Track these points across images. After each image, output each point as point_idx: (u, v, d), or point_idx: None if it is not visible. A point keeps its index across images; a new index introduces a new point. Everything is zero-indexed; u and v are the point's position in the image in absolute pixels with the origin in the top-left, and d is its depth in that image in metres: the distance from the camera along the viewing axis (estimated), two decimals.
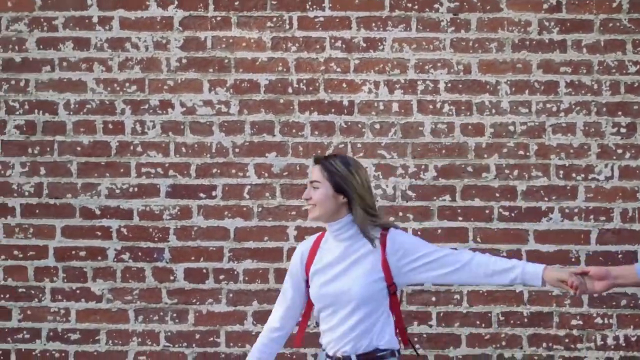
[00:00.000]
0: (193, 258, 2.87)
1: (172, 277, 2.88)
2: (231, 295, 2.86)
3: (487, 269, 1.78)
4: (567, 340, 2.83)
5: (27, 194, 2.88)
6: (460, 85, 2.86)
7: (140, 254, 2.88)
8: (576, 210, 2.84)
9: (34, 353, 2.89)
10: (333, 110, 2.87)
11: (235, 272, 2.87)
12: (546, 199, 2.84)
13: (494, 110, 2.86)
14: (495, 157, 2.86)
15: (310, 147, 2.85)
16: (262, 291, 2.86)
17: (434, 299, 2.84)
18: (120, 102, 2.87)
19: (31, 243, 2.89)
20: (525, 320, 2.83)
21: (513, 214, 2.85)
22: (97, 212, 2.87)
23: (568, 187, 2.85)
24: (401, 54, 2.87)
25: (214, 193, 2.87)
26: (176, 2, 2.88)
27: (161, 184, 2.87)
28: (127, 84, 2.87)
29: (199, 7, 2.87)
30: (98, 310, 2.89)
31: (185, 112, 2.86)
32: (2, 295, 2.88)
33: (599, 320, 2.83)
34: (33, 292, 2.90)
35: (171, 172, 2.87)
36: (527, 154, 2.85)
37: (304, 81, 2.86)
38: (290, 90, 2.86)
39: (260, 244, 2.88)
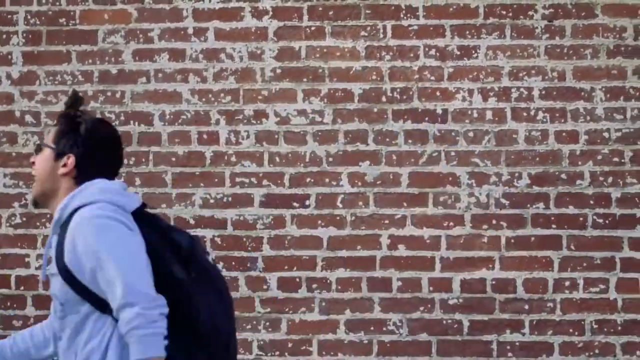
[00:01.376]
0: (286, 267, 3.32)
1: (265, 286, 3.33)
2: (324, 304, 3.32)
3: None
4: None
5: None
6: (555, 92, 3.28)
7: (233, 263, 3.34)
8: None
9: None
10: (427, 118, 3.29)
11: (328, 281, 3.32)
12: None
13: (588, 117, 3.27)
14: (589, 164, 3.28)
15: (403, 156, 3.29)
16: (355, 300, 3.31)
17: (526, 306, 3.27)
18: (215, 113, 3.32)
19: None
20: (619, 328, 3.27)
21: (607, 222, 3.27)
22: (192, 221, 3.33)
23: None
24: (495, 61, 3.29)
25: (307, 202, 3.30)
26: (271, 13, 3.32)
27: (255, 193, 3.32)
28: (222, 95, 3.31)
29: (294, 17, 3.31)
30: None
31: (279, 122, 3.30)
32: None
33: None
34: None
35: (265, 182, 3.32)
36: (622, 160, 3.27)
37: (398, 90, 3.29)
38: (384, 99, 3.29)
39: (353, 253, 3.33)
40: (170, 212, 3.44)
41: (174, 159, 3.45)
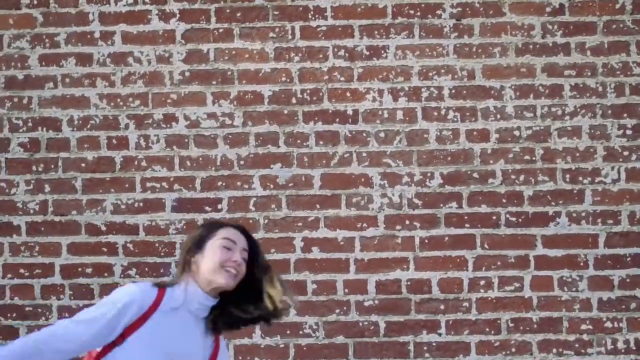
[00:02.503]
0: None
1: None
2: None
3: None
4: (577, 345, 3.32)
5: (32, 211, 3.36)
6: (465, 91, 3.34)
7: (146, 269, 3.37)
8: (583, 214, 3.32)
9: None
10: (337, 119, 3.34)
11: None
12: (553, 203, 3.33)
13: (498, 116, 3.34)
14: (501, 163, 3.34)
15: (315, 158, 3.33)
16: None
17: (442, 307, 3.31)
18: (124, 117, 3.35)
19: (37, 261, 3.38)
20: (535, 326, 3.32)
21: (520, 220, 3.32)
22: (103, 228, 3.35)
23: (575, 191, 3.33)
24: (404, 61, 3.35)
25: (219, 206, 3.34)
26: (178, 15, 3.37)
27: (166, 198, 3.35)
28: (131, 99, 3.35)
29: (201, 20, 3.35)
30: None
31: (189, 126, 3.34)
32: (9, 314, 3.37)
33: (608, 324, 3.31)
34: (40, 310, 3.39)
35: (176, 186, 3.35)
36: (533, 158, 3.33)
37: (308, 91, 3.34)
38: (294, 100, 3.34)
39: (267, 256, 3.32)
40: (81, 219, 3.44)
41: (83, 165, 3.46)
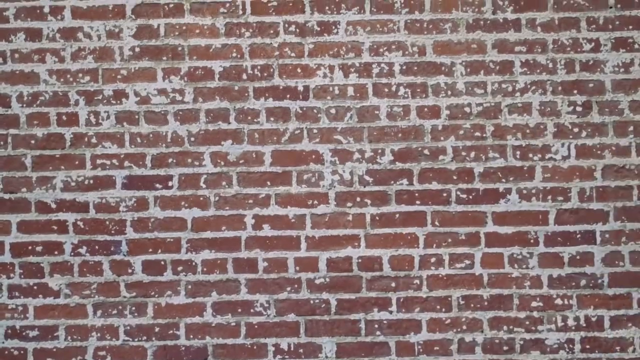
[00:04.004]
0: (151, 250, 3.39)
1: (130, 270, 3.39)
2: (190, 286, 3.38)
3: None
4: (527, 323, 3.37)
5: None
6: (415, 68, 3.40)
7: (97, 247, 3.39)
8: (534, 190, 3.38)
9: None
10: (288, 95, 3.39)
11: (194, 263, 3.38)
12: (503, 180, 3.38)
13: (449, 92, 3.40)
14: (451, 140, 3.39)
15: (266, 134, 3.38)
16: (221, 281, 3.38)
17: (393, 284, 3.37)
18: (73, 93, 3.39)
19: None
20: (486, 303, 3.37)
21: (471, 197, 3.38)
22: (53, 205, 3.38)
23: (525, 168, 3.39)
24: (355, 37, 3.40)
25: (170, 183, 3.38)
26: None
27: (117, 175, 3.39)
28: (81, 75, 3.39)
29: None
30: (56, 306, 3.40)
31: (139, 102, 3.39)
32: None
33: (559, 301, 3.37)
34: None
35: (127, 163, 3.39)
36: (484, 135, 3.39)
37: (259, 67, 3.39)
38: (244, 76, 3.39)
39: (218, 234, 3.40)
40: (30, 197, 3.49)
41: (33, 142, 3.51)
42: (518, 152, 3.47)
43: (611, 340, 3.44)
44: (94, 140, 3.48)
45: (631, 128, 3.48)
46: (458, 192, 3.47)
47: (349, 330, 3.46)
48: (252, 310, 3.46)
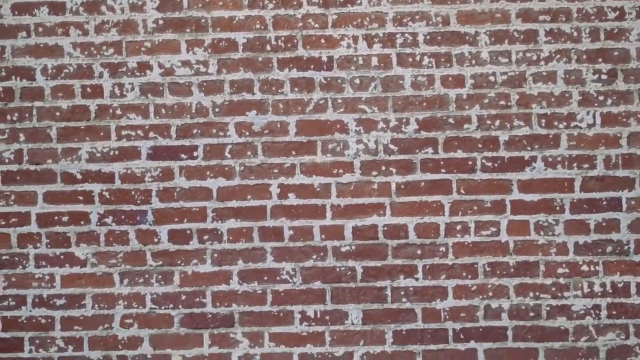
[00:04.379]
0: (176, 219, 3.42)
1: (156, 239, 3.42)
2: (216, 255, 3.41)
3: None
4: (554, 289, 3.39)
5: (7, 161, 3.42)
6: (439, 37, 3.41)
7: (123, 217, 3.42)
8: (559, 158, 3.39)
9: (20, 320, 3.43)
10: (312, 66, 3.41)
11: (219, 232, 3.41)
12: (529, 148, 3.39)
13: (473, 61, 3.41)
14: (476, 108, 3.41)
15: (290, 104, 3.40)
16: (246, 250, 3.41)
17: (419, 252, 3.39)
18: (98, 66, 3.42)
19: (13, 210, 3.43)
20: (512, 270, 3.39)
21: (496, 165, 3.40)
22: (79, 176, 3.42)
23: (550, 136, 3.40)
24: (379, 7, 3.42)
25: (195, 154, 3.41)
26: None
27: (142, 146, 3.42)
28: (104, 47, 3.42)
29: None
30: (83, 275, 3.43)
31: (163, 74, 3.41)
32: None
33: (585, 267, 3.38)
34: (17, 259, 3.44)
35: (151, 134, 3.42)
36: (509, 103, 3.40)
37: (282, 38, 3.41)
38: (268, 47, 3.41)
39: (243, 203, 3.43)
40: (56, 168, 3.52)
41: (58, 114, 3.54)
42: (543, 121, 3.49)
43: (638, 306, 3.46)
44: (118, 111, 3.51)
45: None
46: (483, 160, 3.49)
47: (375, 297, 3.49)
48: (278, 278, 3.49)
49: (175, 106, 3.50)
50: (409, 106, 3.50)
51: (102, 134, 3.50)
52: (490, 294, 3.48)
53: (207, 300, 3.49)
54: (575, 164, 3.48)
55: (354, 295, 3.48)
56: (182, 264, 3.50)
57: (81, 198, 3.50)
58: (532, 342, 3.46)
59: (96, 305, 3.51)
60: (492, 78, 3.50)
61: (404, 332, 3.47)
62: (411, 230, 3.48)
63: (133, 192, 3.50)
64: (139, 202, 3.50)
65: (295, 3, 3.51)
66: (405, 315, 3.47)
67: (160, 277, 3.50)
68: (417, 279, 3.48)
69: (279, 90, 3.50)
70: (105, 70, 3.51)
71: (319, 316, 3.48)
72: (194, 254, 3.50)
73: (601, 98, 3.49)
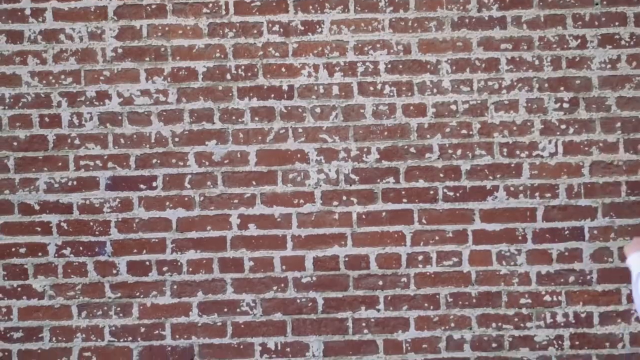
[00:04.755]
0: (135, 250, 3.40)
1: (114, 271, 3.40)
2: (175, 286, 3.39)
3: None
4: (516, 319, 3.38)
5: None
6: (401, 66, 3.41)
7: (81, 248, 3.40)
8: (521, 187, 3.39)
9: None
10: (273, 95, 3.40)
11: (179, 263, 3.39)
12: (491, 177, 3.39)
13: (435, 90, 3.41)
14: (438, 137, 3.41)
15: (250, 134, 3.39)
16: (206, 281, 3.38)
17: (380, 282, 3.38)
18: (56, 95, 3.40)
19: None
20: (474, 300, 3.38)
21: (458, 194, 3.39)
22: (36, 207, 3.39)
23: (512, 165, 3.40)
24: (340, 36, 3.42)
25: (154, 184, 3.39)
26: None
27: (100, 176, 3.40)
28: (63, 76, 3.40)
29: None
30: (40, 307, 3.41)
31: (122, 103, 3.40)
32: None
33: (547, 297, 3.38)
34: None
35: (110, 164, 3.40)
36: (470, 132, 3.40)
37: (242, 67, 3.40)
38: (228, 76, 3.41)
39: (203, 234, 3.41)
40: (14, 198, 3.49)
41: (15, 144, 3.50)
42: (505, 150, 3.48)
43: (600, 337, 3.45)
44: (77, 141, 3.48)
45: (618, 124, 3.49)
46: (445, 190, 3.48)
47: (336, 329, 3.46)
48: (238, 310, 3.47)
49: (135, 136, 3.48)
50: (370, 135, 3.49)
51: (60, 164, 3.48)
52: (453, 324, 3.47)
53: (167, 333, 3.46)
54: (537, 193, 3.47)
55: (315, 326, 3.46)
56: (141, 296, 3.47)
57: (39, 229, 3.47)
58: None
59: (54, 338, 3.47)
60: (453, 107, 3.50)
61: None
62: (372, 261, 3.46)
63: (91, 223, 3.48)
64: (97, 233, 3.48)
65: (255, 32, 3.50)
66: (366, 347, 3.45)
67: (118, 309, 3.47)
68: (378, 310, 3.47)
69: (239, 120, 3.49)
70: (64, 100, 3.49)
71: (279, 348, 3.45)
72: (153, 286, 3.47)
73: (563, 127, 3.49)
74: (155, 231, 3.47)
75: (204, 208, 3.47)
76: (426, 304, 3.46)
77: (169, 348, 3.46)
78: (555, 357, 3.45)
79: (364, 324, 3.46)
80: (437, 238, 3.47)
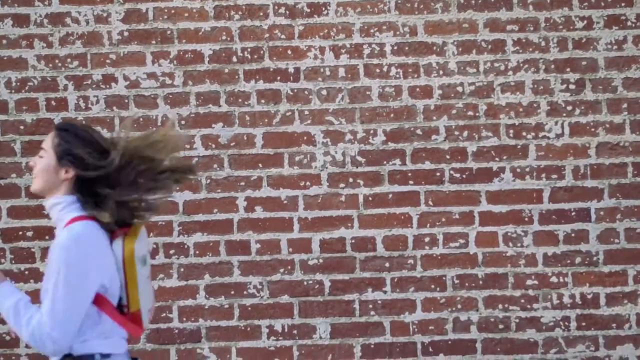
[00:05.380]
0: None
1: None
2: (182, 269, 3.41)
3: None
4: (523, 301, 3.40)
5: None
6: (407, 48, 3.44)
7: None
8: (527, 169, 3.41)
9: None
10: (279, 77, 3.43)
11: (186, 246, 3.42)
12: (497, 159, 3.41)
13: (441, 72, 3.43)
14: (444, 119, 3.43)
15: (257, 116, 3.42)
16: (213, 264, 3.42)
17: (387, 264, 3.40)
18: (62, 78, 3.43)
19: None
20: (480, 282, 3.41)
21: (464, 176, 3.41)
22: None
23: (519, 147, 3.42)
24: (346, 18, 3.44)
25: None
26: None
27: None
28: (69, 60, 3.43)
29: None
30: None
31: (129, 86, 3.42)
32: None
33: (554, 279, 3.40)
34: None
35: None
36: (477, 114, 3.42)
37: (249, 49, 3.43)
38: (234, 59, 3.43)
39: (209, 217, 3.44)
40: (20, 182, 3.51)
41: (22, 127, 3.52)
42: (511, 131, 3.50)
43: (607, 317, 3.47)
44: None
45: (625, 105, 3.51)
46: (451, 172, 3.50)
47: (343, 311, 3.49)
48: (245, 292, 3.49)
49: (141, 119, 3.51)
50: (376, 117, 3.51)
51: None
52: (459, 306, 3.49)
53: (174, 315, 3.49)
54: (543, 175, 3.49)
55: (322, 309, 3.48)
56: None
57: (45, 212, 3.49)
58: (502, 355, 3.47)
59: None
60: (459, 88, 3.51)
61: (372, 346, 3.47)
62: (379, 243, 3.49)
63: None
64: None
65: (261, 14, 3.52)
66: (373, 328, 3.48)
67: None
68: (385, 292, 3.49)
69: (246, 102, 3.51)
70: (70, 83, 3.51)
71: (286, 330, 3.48)
72: (160, 269, 3.50)
73: (569, 108, 3.51)
74: (162, 214, 3.49)
75: (210, 191, 3.50)
76: (433, 286, 3.49)
77: (177, 330, 3.49)
78: (562, 338, 3.47)
79: (370, 306, 3.48)
80: (443, 220, 3.49)
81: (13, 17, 3.51)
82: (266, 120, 3.50)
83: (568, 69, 3.51)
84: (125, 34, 3.51)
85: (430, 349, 3.46)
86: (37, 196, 3.45)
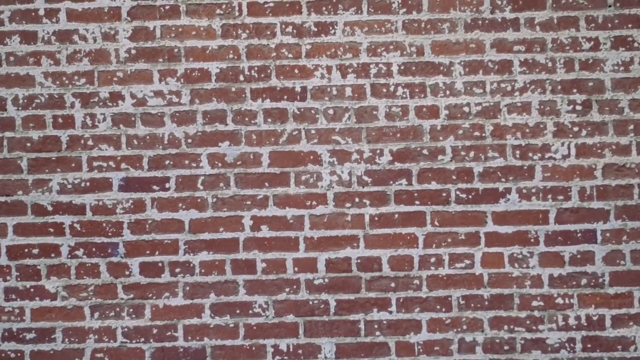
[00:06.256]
0: (148, 252, 3.44)
1: (127, 272, 3.44)
2: (188, 288, 3.43)
3: None
4: (528, 322, 3.42)
5: None
6: (414, 68, 3.45)
7: (94, 249, 3.44)
8: (534, 190, 3.43)
9: None
10: (285, 96, 3.44)
11: (192, 265, 3.43)
12: (503, 179, 3.43)
13: (448, 92, 3.45)
14: (450, 139, 3.44)
15: (263, 135, 3.43)
16: (219, 283, 3.43)
17: (392, 284, 3.42)
18: (69, 96, 3.44)
19: None
20: (486, 303, 3.42)
21: (470, 196, 3.43)
22: (49, 208, 3.43)
23: (525, 167, 3.44)
24: (353, 37, 3.46)
25: (167, 185, 3.44)
26: None
27: (113, 177, 3.44)
28: (76, 77, 3.45)
29: None
30: (53, 308, 3.45)
31: (135, 104, 3.44)
32: None
33: (559, 300, 3.41)
34: None
35: (123, 165, 3.44)
36: (483, 134, 3.44)
37: (256, 68, 3.45)
38: (241, 77, 3.45)
39: (215, 235, 3.45)
40: (27, 199, 3.55)
41: (29, 144, 3.56)
42: (518, 152, 3.53)
43: (612, 340, 3.50)
44: (90, 142, 3.54)
45: (631, 127, 3.54)
46: (457, 192, 3.53)
47: (349, 331, 3.51)
48: (250, 311, 3.52)
49: (148, 137, 3.53)
50: (382, 137, 3.54)
51: (73, 165, 3.53)
52: (465, 327, 3.51)
53: (179, 334, 3.51)
54: (549, 196, 3.52)
55: (327, 328, 3.51)
56: (154, 297, 3.52)
57: (52, 230, 3.52)
58: None
59: (66, 339, 3.52)
60: (466, 109, 3.54)
61: None
62: (385, 263, 3.51)
63: (104, 224, 3.53)
64: (110, 234, 3.53)
65: (268, 33, 3.55)
66: (378, 349, 3.50)
67: (131, 310, 3.53)
68: (390, 312, 3.51)
69: (252, 121, 3.54)
70: (77, 101, 3.54)
71: (291, 350, 3.50)
72: (166, 287, 3.52)
73: (576, 129, 3.53)
74: (168, 232, 3.52)
75: (216, 209, 3.52)
76: (438, 306, 3.51)
77: (181, 349, 3.51)
78: None
79: (376, 326, 3.51)
80: (449, 240, 3.51)
81: (20, 34, 3.54)
82: (272, 139, 3.53)
83: (575, 90, 3.53)
84: (133, 51, 3.54)
85: None
86: (43, 213, 3.49)
